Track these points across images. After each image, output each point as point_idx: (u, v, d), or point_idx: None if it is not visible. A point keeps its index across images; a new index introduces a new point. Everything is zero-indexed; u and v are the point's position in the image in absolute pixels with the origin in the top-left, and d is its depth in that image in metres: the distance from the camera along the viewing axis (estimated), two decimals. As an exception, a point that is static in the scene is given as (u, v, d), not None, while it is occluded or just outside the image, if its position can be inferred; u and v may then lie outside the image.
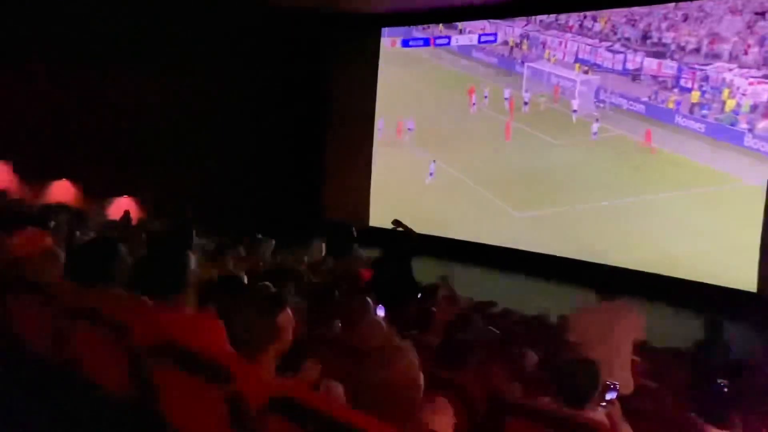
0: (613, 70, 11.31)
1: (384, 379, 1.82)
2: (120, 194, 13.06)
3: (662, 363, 5.51)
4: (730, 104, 10.01)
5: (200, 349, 2.00)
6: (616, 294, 4.39)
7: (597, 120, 11.33)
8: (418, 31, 14.11)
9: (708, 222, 10.21)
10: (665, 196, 10.61)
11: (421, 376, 1.90)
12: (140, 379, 2.16)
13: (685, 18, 10.51)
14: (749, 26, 9.92)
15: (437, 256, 10.94)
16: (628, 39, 11.13)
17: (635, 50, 11.03)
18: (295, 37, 14.21)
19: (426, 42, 14.05)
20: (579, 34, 11.75)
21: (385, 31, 14.45)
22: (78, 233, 6.29)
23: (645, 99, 10.90)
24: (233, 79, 13.84)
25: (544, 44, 12.19)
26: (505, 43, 12.83)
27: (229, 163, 13.82)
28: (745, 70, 9.88)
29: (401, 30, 14.30)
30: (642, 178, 10.95)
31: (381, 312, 4.05)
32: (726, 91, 10.04)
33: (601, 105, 11.40)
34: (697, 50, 10.32)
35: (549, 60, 12.15)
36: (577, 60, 11.75)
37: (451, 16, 13.52)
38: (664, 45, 10.69)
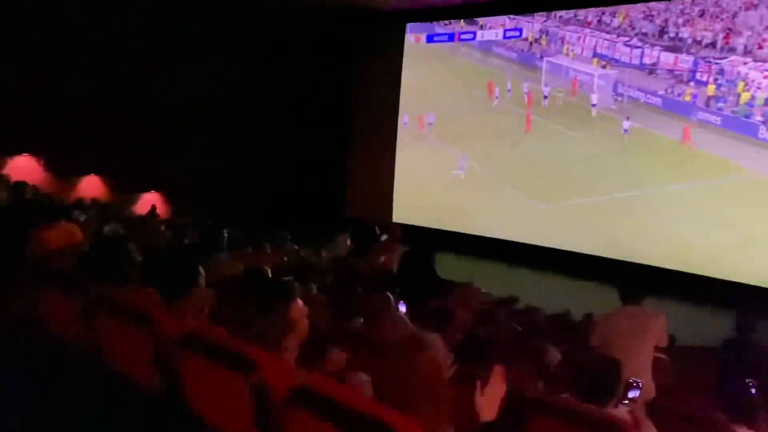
0: (630, 65, 11.54)
1: (408, 370, 1.81)
2: (147, 189, 13.25)
3: (688, 362, 5.44)
4: (745, 97, 10.17)
5: (224, 339, 2.04)
6: (640, 297, 4.35)
7: (627, 118, 11.46)
8: (440, 27, 14.26)
9: (725, 215, 10.31)
10: (682, 188, 10.76)
11: (447, 368, 1.90)
12: (166, 369, 2.20)
13: (702, 13, 10.72)
14: (764, 21, 10.05)
15: (459, 252, 10.93)
16: (645, 34, 11.36)
17: (652, 45, 11.26)
18: (321, 33, 14.28)
19: (451, 37, 14.11)
20: (597, 30, 12.02)
21: (408, 27, 14.52)
22: (106, 228, 6.42)
23: (662, 92, 11.12)
24: (259, 75, 13.95)
25: (563, 39, 12.46)
26: (525, 38, 13.09)
27: (254, 158, 13.95)
28: (759, 64, 10.02)
29: (424, 26, 14.39)
30: (664, 171, 11.05)
31: (403, 308, 4.07)
32: (741, 84, 10.19)
33: (619, 98, 11.63)
34: (713, 44, 10.51)
35: (567, 55, 12.41)
36: (595, 55, 12.02)
37: (473, 12, 13.66)
38: (681, 40, 10.93)
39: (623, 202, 11.36)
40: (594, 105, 11.83)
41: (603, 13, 11.94)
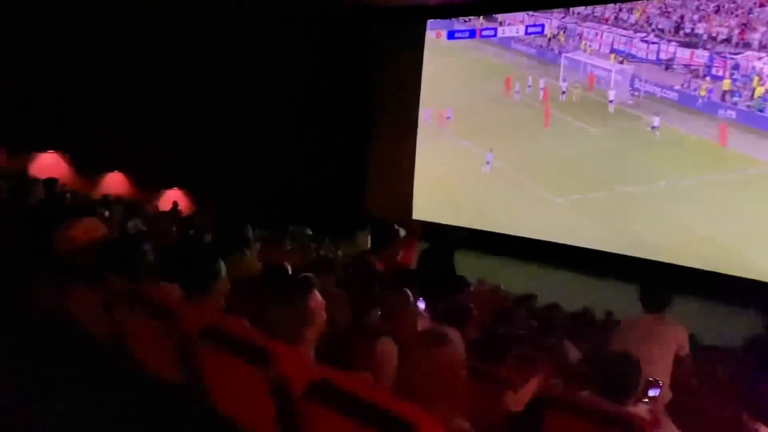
0: (647, 60, 11.73)
1: (426, 365, 1.82)
2: (170, 186, 13.40)
3: (710, 361, 5.38)
4: (759, 91, 10.36)
5: (243, 332, 2.06)
6: (663, 306, 4.28)
7: (656, 114, 11.53)
8: (459, 24, 14.37)
9: (742, 209, 10.35)
10: (702, 182, 10.85)
11: (465, 363, 1.90)
12: (187, 363, 2.24)
13: (717, 9, 10.92)
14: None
15: (480, 250, 10.90)
16: (661, 30, 11.59)
17: (668, 41, 11.47)
18: (342, 30, 14.31)
19: (472, 33, 14.17)
20: (614, 26, 12.26)
21: (429, 23, 14.57)
22: (129, 224, 6.51)
23: (678, 87, 11.30)
24: (281, 73, 14.03)
25: (580, 35, 12.69)
26: (544, 34, 13.31)
27: (275, 156, 14.03)
28: (774, 58, 10.19)
29: (445, 23, 14.45)
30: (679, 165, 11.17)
31: (421, 305, 4.07)
32: (756, 79, 10.37)
33: (636, 93, 11.81)
34: (728, 40, 10.72)
35: (585, 50, 12.63)
36: (612, 50, 12.24)
37: (493, 8, 13.76)
38: (697, 35, 11.14)
39: (641, 197, 11.44)
40: (611, 101, 12.05)
41: (620, 10, 12.17)
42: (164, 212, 10.98)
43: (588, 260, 11.31)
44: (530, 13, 13.36)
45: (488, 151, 13.45)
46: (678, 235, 10.88)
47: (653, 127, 11.50)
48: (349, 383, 1.78)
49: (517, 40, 13.56)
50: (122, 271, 2.89)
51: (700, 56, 11.00)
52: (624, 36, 12.03)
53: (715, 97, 10.75)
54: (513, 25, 13.62)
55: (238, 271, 3.38)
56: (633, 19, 11.98)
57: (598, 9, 12.45)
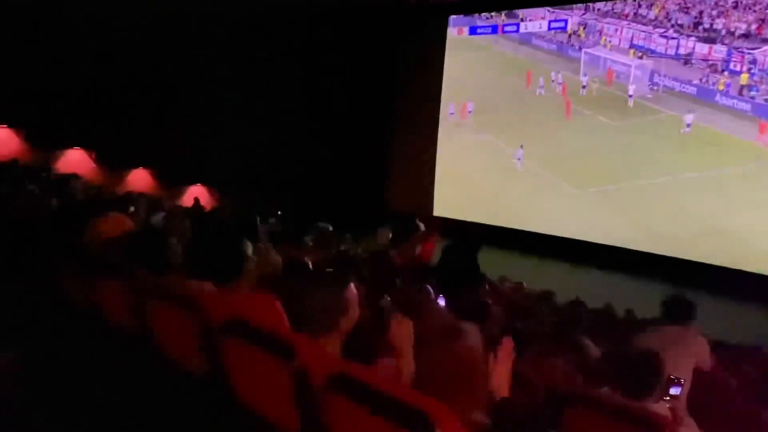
0: (666, 55, 11.86)
1: (445, 359, 1.84)
2: (193, 182, 13.55)
3: (732, 358, 5.32)
4: None
5: (267, 326, 2.10)
6: (688, 318, 4.24)
7: (690, 111, 11.57)
8: (481, 20, 14.43)
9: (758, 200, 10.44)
10: (718, 174, 10.99)
11: (483, 358, 1.92)
12: (212, 355, 2.28)
13: (735, 5, 11.03)
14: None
15: (503, 247, 10.87)
16: (680, 25, 11.71)
17: (687, 36, 11.60)
18: (365, 26, 14.34)
19: (494, 29, 14.22)
20: (634, 22, 12.39)
21: (451, 20, 14.61)
22: (153, 219, 6.61)
23: (696, 82, 11.43)
24: (304, 69, 14.10)
25: (600, 31, 12.85)
26: (565, 30, 13.42)
27: (297, 152, 14.11)
28: (792, 54, 10.26)
29: (466, 19, 14.50)
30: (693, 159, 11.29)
31: (442, 302, 4.08)
32: None
33: (655, 88, 11.91)
34: (746, 35, 10.82)
35: (605, 46, 12.78)
36: (632, 46, 12.37)
37: (514, 3, 13.84)
38: (715, 31, 11.25)
39: (665, 189, 11.52)
40: (631, 95, 12.18)
41: (639, 6, 12.29)
42: (186, 208, 11.11)
43: (609, 256, 11.26)
44: (551, 9, 13.46)
45: (517, 147, 13.52)
46: (696, 228, 10.96)
47: (688, 125, 11.55)
48: (368, 375, 1.80)
49: (538, 36, 13.67)
50: (149, 264, 2.96)
51: (719, 51, 11.15)
52: (643, 32, 12.18)
53: (733, 92, 10.90)
54: (535, 20, 13.69)
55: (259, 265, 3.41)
56: (652, 14, 12.12)
57: (618, 5, 12.60)
